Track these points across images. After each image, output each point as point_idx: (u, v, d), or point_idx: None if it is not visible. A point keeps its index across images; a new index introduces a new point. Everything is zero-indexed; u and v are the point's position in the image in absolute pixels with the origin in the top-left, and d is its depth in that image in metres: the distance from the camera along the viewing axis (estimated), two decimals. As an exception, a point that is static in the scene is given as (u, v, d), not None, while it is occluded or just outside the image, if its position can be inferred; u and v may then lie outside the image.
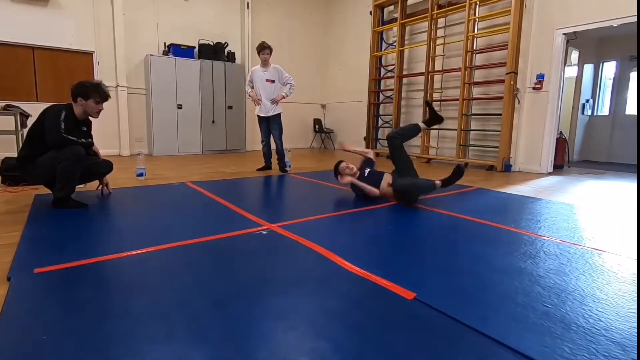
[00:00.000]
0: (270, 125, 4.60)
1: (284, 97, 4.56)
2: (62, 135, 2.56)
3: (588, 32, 4.92)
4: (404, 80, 7.01)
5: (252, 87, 4.59)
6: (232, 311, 1.27)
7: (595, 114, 7.28)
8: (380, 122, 7.58)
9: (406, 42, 6.92)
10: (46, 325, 1.16)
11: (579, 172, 5.47)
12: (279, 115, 4.60)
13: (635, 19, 4.21)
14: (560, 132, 5.67)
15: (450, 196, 3.43)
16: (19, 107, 4.70)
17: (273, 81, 4.52)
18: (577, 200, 3.37)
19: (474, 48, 5.80)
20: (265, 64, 4.48)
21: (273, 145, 4.71)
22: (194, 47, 6.88)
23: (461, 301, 1.37)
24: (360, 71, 7.88)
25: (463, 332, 1.17)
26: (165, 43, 6.67)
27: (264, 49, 4.39)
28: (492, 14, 5.50)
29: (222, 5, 7.33)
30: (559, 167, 5.66)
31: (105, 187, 3.19)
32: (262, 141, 4.72)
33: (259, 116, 4.61)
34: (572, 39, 5.26)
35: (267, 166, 4.77)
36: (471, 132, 6.00)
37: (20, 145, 4.54)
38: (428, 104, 3.46)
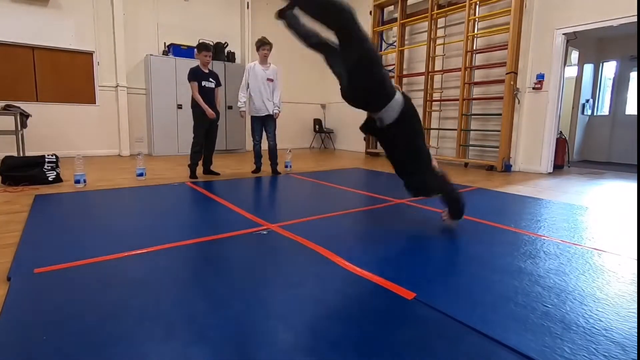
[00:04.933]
0: (267, 124, 4.45)
1: (278, 114, 4.50)
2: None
3: (588, 32, 4.92)
4: (404, 80, 7.01)
5: (247, 93, 4.39)
6: (232, 311, 1.27)
7: (595, 114, 7.28)
8: (380, 122, 7.56)
9: (406, 42, 6.92)
10: (46, 325, 1.16)
11: (579, 172, 5.47)
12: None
13: (635, 19, 4.21)
14: (560, 132, 5.67)
15: (450, 196, 3.42)
16: (19, 107, 4.69)
17: (272, 80, 4.41)
18: (577, 200, 3.37)
19: (474, 48, 5.80)
20: (264, 60, 4.36)
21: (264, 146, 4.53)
22: (194, 47, 6.87)
23: (461, 301, 1.37)
24: (360, 71, 7.86)
25: (463, 332, 1.17)
26: (165, 43, 6.67)
27: (264, 44, 4.26)
28: (492, 14, 5.49)
29: (222, 5, 7.33)
30: (559, 167, 5.66)
31: None
32: (256, 141, 4.51)
33: (254, 117, 4.45)
34: (572, 39, 5.26)
35: (259, 167, 4.60)
36: (471, 132, 6.00)
37: (21, 145, 4.56)
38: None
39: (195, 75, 4.11)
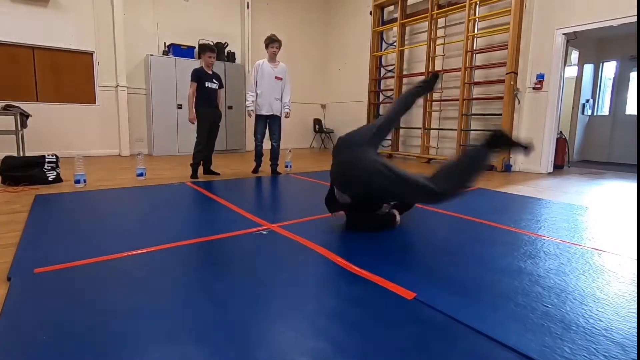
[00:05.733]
0: (272, 124, 4.38)
1: (289, 113, 4.43)
2: None
3: (588, 32, 4.92)
4: (404, 80, 7.01)
5: (255, 91, 4.26)
6: (232, 311, 1.27)
7: (595, 114, 7.28)
8: (380, 122, 7.56)
9: (406, 42, 6.92)
10: (46, 325, 1.16)
11: (579, 172, 5.47)
12: (280, 116, 4.45)
13: (635, 19, 4.21)
14: (560, 132, 5.67)
15: (450, 196, 3.42)
16: (19, 107, 4.70)
17: (281, 79, 4.31)
18: (577, 200, 3.37)
19: (474, 48, 5.80)
20: (273, 58, 4.26)
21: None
22: (194, 47, 6.88)
23: (461, 301, 1.37)
24: (360, 71, 7.88)
25: (463, 332, 1.17)
26: (165, 43, 6.67)
27: (273, 41, 4.16)
28: (492, 14, 5.49)
29: (222, 5, 7.33)
30: (559, 167, 5.66)
31: None
32: (258, 141, 4.43)
33: (258, 115, 4.33)
34: (572, 39, 5.26)
35: (258, 166, 4.55)
36: (471, 132, 6.00)
37: (21, 145, 4.56)
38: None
39: (197, 75, 4.08)
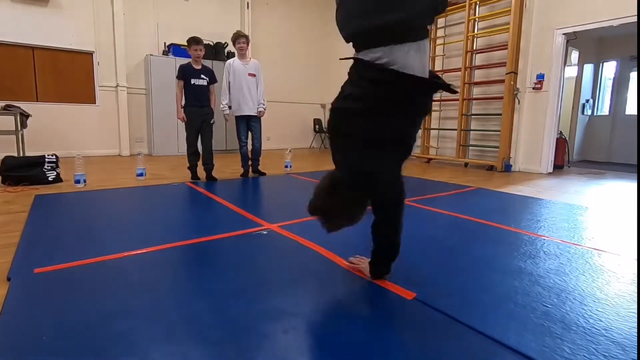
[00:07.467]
0: (253, 123, 4.18)
1: (263, 112, 4.23)
2: None
3: (588, 32, 4.92)
4: (404, 80, 7.00)
5: (229, 93, 4.09)
6: (232, 311, 1.27)
7: (595, 114, 7.28)
8: (380, 122, 7.57)
9: (406, 42, 6.92)
10: (46, 325, 1.16)
11: (579, 172, 5.46)
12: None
13: (635, 19, 4.21)
14: (560, 132, 5.67)
15: (450, 196, 3.43)
16: (19, 107, 4.69)
17: (255, 75, 4.11)
18: (577, 200, 3.37)
19: (474, 48, 5.80)
20: (243, 55, 4.07)
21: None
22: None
23: (461, 301, 1.37)
24: (360, 71, 7.87)
25: (463, 332, 1.17)
26: (165, 43, 6.67)
27: (239, 37, 3.96)
28: (492, 14, 5.49)
29: (222, 5, 7.33)
30: (559, 167, 5.66)
31: None
32: (243, 142, 4.24)
33: (238, 116, 4.14)
34: (572, 39, 5.26)
35: (247, 170, 4.35)
36: (471, 132, 6.00)
37: (21, 145, 4.55)
38: None
39: (183, 72, 3.86)
